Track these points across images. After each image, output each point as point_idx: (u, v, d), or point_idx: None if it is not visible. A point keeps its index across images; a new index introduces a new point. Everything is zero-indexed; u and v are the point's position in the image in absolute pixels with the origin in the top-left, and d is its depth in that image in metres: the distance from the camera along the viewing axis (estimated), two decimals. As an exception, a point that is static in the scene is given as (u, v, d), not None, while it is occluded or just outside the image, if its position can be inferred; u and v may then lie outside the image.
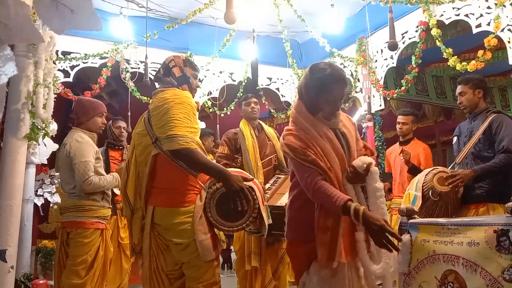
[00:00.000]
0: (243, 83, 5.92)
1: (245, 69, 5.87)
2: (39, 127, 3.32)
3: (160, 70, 2.46)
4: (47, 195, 5.28)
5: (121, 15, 4.93)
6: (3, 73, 0.75)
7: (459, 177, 2.92)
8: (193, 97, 2.43)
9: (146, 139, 2.28)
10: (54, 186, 5.34)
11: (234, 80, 5.96)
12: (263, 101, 6.15)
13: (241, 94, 5.70)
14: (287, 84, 6.35)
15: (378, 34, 5.05)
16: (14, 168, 3.10)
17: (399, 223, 2.40)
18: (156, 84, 5.37)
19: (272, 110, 6.50)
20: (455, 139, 3.35)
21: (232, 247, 3.61)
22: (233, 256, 3.64)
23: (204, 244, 2.17)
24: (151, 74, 5.31)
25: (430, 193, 2.96)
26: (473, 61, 3.87)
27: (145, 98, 5.21)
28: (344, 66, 5.58)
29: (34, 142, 3.44)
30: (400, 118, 4.36)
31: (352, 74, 5.42)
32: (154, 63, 5.37)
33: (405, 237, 2.19)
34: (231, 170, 2.42)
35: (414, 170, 3.90)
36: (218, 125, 5.78)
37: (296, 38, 6.18)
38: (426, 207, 2.97)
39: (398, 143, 4.45)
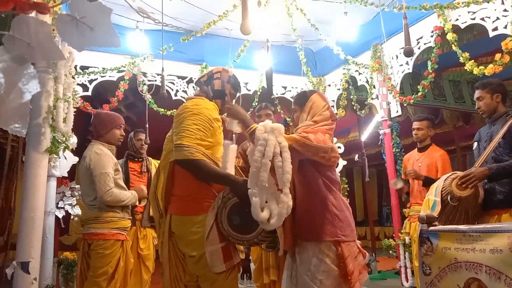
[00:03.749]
0: (258, 93, 5.95)
1: (259, 79, 5.90)
2: (59, 140, 3.39)
3: (204, 76, 2.47)
4: (67, 207, 5.34)
5: (137, 29, 5.01)
6: (27, 90, 0.78)
7: (473, 175, 2.87)
8: (221, 114, 2.41)
9: (170, 145, 2.29)
10: (74, 198, 5.42)
11: (249, 90, 5.99)
12: (279, 110, 6.17)
13: (256, 103, 5.72)
14: (305, 90, 6.35)
15: (393, 40, 5.03)
16: (36, 181, 3.15)
17: (419, 230, 2.38)
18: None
19: (287, 119, 6.50)
20: (475, 144, 3.30)
21: (250, 257, 3.60)
22: (253, 266, 3.63)
23: (213, 255, 2.09)
24: (168, 86, 5.37)
25: (449, 198, 2.91)
26: (491, 65, 3.81)
27: (162, 110, 5.28)
28: (359, 73, 5.57)
29: (55, 156, 3.51)
30: (414, 124, 4.34)
31: (367, 81, 5.40)
32: (170, 75, 5.45)
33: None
34: None
35: (428, 182, 3.85)
36: (234, 135, 5.80)
37: (310, 47, 6.20)
38: (445, 212, 2.92)
39: (416, 149, 4.41)
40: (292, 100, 2.70)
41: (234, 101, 2.52)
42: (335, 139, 6.02)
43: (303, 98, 2.53)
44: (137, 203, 3.38)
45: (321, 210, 2.25)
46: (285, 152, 2.13)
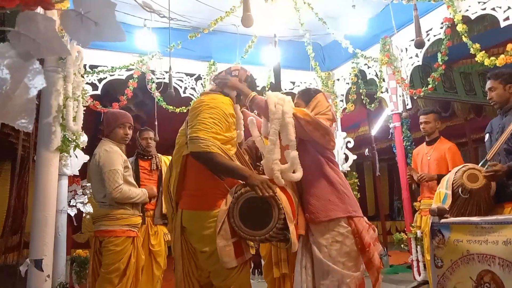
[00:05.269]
0: (267, 89, 5.94)
1: (268, 75, 5.89)
2: (70, 139, 3.43)
3: (222, 73, 2.49)
4: (79, 206, 5.40)
5: (145, 27, 5.03)
6: (32, 86, 0.79)
7: (500, 169, 2.81)
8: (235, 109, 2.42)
9: (183, 138, 2.29)
10: (86, 196, 5.47)
11: (258, 86, 5.98)
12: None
13: (265, 99, 5.71)
14: (310, 87, 6.33)
15: (402, 33, 4.98)
16: (48, 180, 3.20)
17: (430, 223, 2.35)
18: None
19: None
20: (487, 136, 3.25)
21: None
22: (262, 261, 3.62)
23: (224, 251, 2.07)
24: (176, 83, 5.39)
25: (460, 190, 2.87)
26: (502, 55, 3.75)
27: (171, 107, 5.30)
28: (368, 67, 5.53)
29: (66, 154, 3.54)
30: (421, 118, 4.28)
31: (376, 75, 5.36)
32: (178, 72, 5.46)
33: None
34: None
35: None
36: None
37: (319, 41, 6.17)
38: (456, 205, 2.88)
39: (424, 143, 4.37)
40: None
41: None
42: (344, 133, 6.01)
43: (308, 94, 2.67)
44: (147, 200, 3.40)
45: (330, 188, 2.35)
46: (288, 117, 2.31)
